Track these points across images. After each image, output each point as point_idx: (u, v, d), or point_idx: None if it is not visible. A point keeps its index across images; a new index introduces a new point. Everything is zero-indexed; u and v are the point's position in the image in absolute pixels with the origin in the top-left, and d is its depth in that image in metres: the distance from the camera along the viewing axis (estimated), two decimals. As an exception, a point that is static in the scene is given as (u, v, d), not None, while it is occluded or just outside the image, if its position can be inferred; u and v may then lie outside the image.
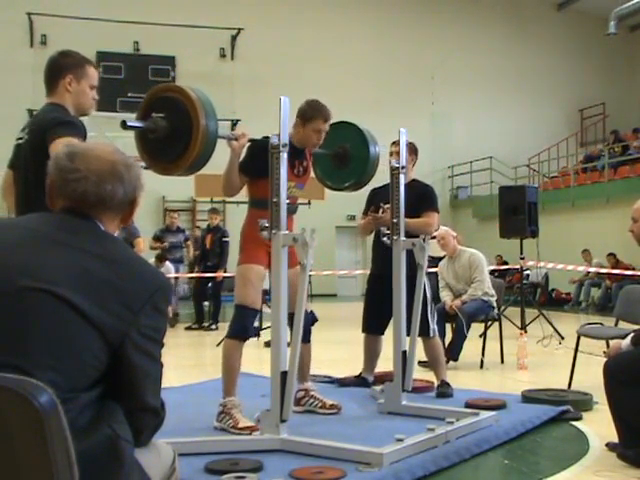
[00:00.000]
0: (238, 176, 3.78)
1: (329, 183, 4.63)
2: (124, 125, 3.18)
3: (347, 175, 4.50)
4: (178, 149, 3.24)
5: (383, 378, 4.80)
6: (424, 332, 4.64)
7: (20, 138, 2.97)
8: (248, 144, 3.73)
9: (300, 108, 3.96)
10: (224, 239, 9.84)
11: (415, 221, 4.49)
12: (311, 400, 4.24)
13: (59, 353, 1.42)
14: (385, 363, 4.84)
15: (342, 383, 5.13)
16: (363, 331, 5.01)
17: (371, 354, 5.04)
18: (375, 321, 4.91)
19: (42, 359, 1.40)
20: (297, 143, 3.97)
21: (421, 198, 4.67)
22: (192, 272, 10.60)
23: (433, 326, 4.78)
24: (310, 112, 3.96)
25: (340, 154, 4.43)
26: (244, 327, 3.78)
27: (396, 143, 4.73)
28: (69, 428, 1.25)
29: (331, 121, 4.03)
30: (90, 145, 1.67)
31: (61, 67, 2.94)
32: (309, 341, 4.15)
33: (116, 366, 1.50)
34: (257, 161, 3.49)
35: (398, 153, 4.56)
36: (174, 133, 3.22)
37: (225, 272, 9.78)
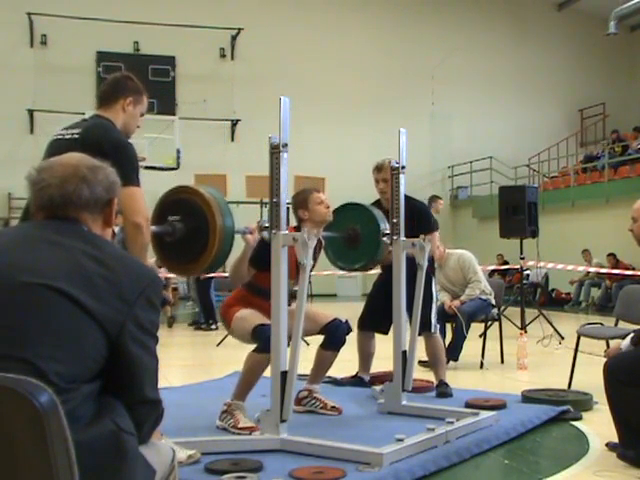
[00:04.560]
0: (247, 267, 3.79)
1: (340, 264, 4.59)
2: None
3: (358, 256, 4.45)
4: (197, 250, 3.23)
5: (383, 378, 4.80)
6: (426, 328, 4.66)
7: (60, 135, 2.96)
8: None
9: (292, 203, 4.01)
10: None
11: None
12: (312, 401, 4.25)
13: (61, 344, 1.46)
14: (385, 363, 4.84)
15: (338, 383, 5.13)
16: (358, 327, 4.98)
17: (365, 354, 5.04)
18: (372, 318, 4.90)
19: (44, 350, 1.43)
20: None
21: (417, 219, 4.53)
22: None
23: (435, 322, 4.80)
24: (303, 195, 4.06)
25: (351, 236, 4.41)
26: (269, 339, 3.70)
27: (379, 169, 4.70)
28: (70, 417, 1.27)
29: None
30: (60, 156, 1.76)
31: (126, 88, 3.06)
32: (339, 350, 4.17)
33: (115, 359, 1.54)
34: (267, 255, 3.47)
35: (384, 180, 4.57)
36: (191, 234, 3.22)
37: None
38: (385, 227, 4.30)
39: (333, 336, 4.10)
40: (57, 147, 2.88)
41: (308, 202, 4.04)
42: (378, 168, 4.70)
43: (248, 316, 3.87)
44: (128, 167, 2.77)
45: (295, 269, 3.48)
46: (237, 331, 3.94)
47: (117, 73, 3.18)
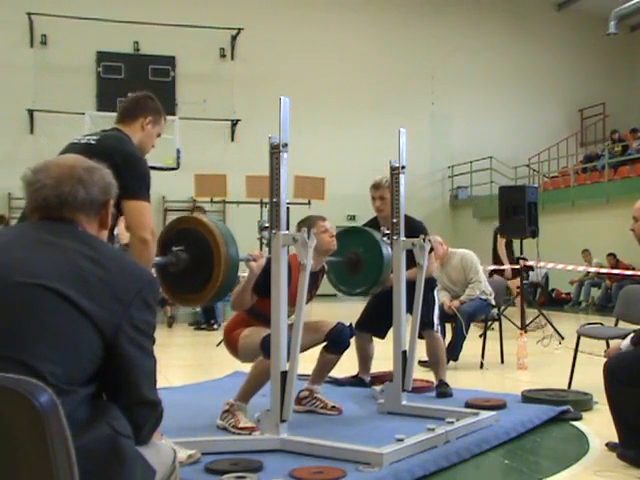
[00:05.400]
0: (250, 294, 3.79)
1: (342, 288, 4.61)
2: None
3: (360, 281, 4.47)
4: (202, 279, 3.22)
5: (383, 378, 4.81)
6: (428, 326, 4.67)
7: (77, 139, 2.99)
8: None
9: (297, 229, 3.99)
10: None
11: (413, 272, 4.32)
12: (313, 401, 4.26)
13: (57, 345, 1.45)
14: (385, 363, 4.84)
15: (338, 383, 5.13)
16: (355, 329, 4.97)
17: (363, 355, 5.04)
18: (370, 320, 4.90)
19: (40, 351, 1.43)
20: (315, 262, 3.79)
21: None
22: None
23: (437, 322, 4.82)
24: (308, 222, 4.02)
25: (353, 260, 4.41)
26: None
27: (375, 186, 4.69)
28: (66, 421, 1.27)
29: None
30: (56, 157, 1.76)
31: (147, 107, 3.11)
32: (342, 353, 4.18)
33: (111, 361, 1.53)
34: (269, 282, 3.46)
35: (380, 197, 4.56)
36: (196, 264, 3.20)
37: None
38: (388, 252, 4.30)
39: (337, 340, 4.11)
40: (69, 151, 2.90)
41: (312, 229, 4.02)
42: (375, 186, 4.70)
43: (254, 332, 3.86)
44: (139, 180, 2.80)
45: (295, 296, 3.47)
46: (245, 348, 3.90)
47: (139, 92, 3.22)
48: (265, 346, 3.66)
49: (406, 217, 4.32)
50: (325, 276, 4.39)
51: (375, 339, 5.00)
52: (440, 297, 6.36)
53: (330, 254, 4.14)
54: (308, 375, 4.41)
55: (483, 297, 6.29)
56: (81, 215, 1.66)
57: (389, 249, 4.30)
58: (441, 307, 6.17)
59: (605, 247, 13.12)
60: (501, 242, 9.43)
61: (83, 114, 12.81)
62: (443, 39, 18.50)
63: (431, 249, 4.29)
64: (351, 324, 4.24)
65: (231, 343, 4.01)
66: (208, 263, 3.18)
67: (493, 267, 9.20)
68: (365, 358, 5.05)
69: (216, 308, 10.01)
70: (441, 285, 6.47)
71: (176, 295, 3.39)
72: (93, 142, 2.90)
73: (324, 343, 4.17)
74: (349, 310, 5.86)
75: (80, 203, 1.65)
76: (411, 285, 4.23)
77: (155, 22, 15.49)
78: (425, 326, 4.55)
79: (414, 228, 4.52)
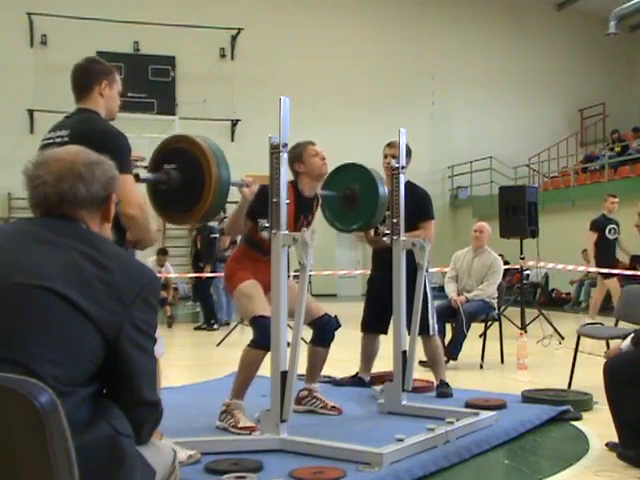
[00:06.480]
0: (244, 220, 3.80)
1: (338, 224, 4.57)
2: (137, 179, 3.11)
3: (356, 217, 4.44)
4: (192, 199, 3.22)
5: (383, 378, 4.80)
6: (424, 330, 4.65)
7: (50, 139, 2.92)
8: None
9: (288, 157, 3.93)
10: (212, 236, 9.84)
11: (416, 234, 4.44)
12: (313, 400, 4.25)
13: (57, 346, 1.44)
14: (385, 363, 4.84)
15: (338, 383, 5.13)
16: (362, 330, 5.00)
17: (368, 354, 5.04)
18: (375, 320, 4.90)
19: (40, 352, 1.42)
20: (308, 187, 3.95)
21: (418, 206, 4.59)
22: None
23: (433, 324, 4.79)
24: (297, 149, 4.01)
25: (349, 195, 4.39)
26: (269, 336, 3.58)
27: (390, 145, 4.71)
28: (66, 421, 1.26)
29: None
30: (58, 150, 1.72)
31: (96, 73, 2.99)
32: (329, 346, 4.15)
33: (112, 361, 1.53)
34: (264, 207, 3.46)
35: (392, 155, 4.55)
36: (187, 183, 3.20)
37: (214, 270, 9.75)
38: (384, 190, 4.29)
39: (322, 332, 4.09)
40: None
41: (303, 155, 4.00)
42: (389, 144, 4.73)
43: (251, 293, 3.84)
44: (117, 155, 2.72)
45: (293, 222, 3.49)
46: (238, 303, 3.99)
47: (81, 61, 3.06)
48: (255, 328, 3.69)
49: (410, 184, 4.34)
50: (321, 211, 4.34)
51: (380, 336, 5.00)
52: (447, 290, 6.42)
53: (322, 178, 4.11)
54: (302, 375, 4.39)
55: (487, 300, 6.40)
56: (82, 211, 1.64)
57: (385, 188, 4.30)
58: (444, 304, 6.19)
59: (605, 247, 13.09)
60: (590, 237, 8.87)
61: (83, 114, 12.80)
62: (443, 39, 18.51)
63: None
64: (336, 316, 4.21)
65: (229, 283, 4.03)
66: (199, 183, 3.17)
67: (593, 269, 8.80)
68: (369, 356, 5.03)
69: (219, 306, 10.01)
70: (453, 273, 6.52)
71: (165, 213, 3.38)
72: (67, 138, 2.81)
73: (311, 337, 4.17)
74: (349, 310, 5.86)
75: (81, 200, 1.63)
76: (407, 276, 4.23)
77: (155, 22, 15.49)
78: (421, 330, 4.50)
79: (416, 194, 4.56)
